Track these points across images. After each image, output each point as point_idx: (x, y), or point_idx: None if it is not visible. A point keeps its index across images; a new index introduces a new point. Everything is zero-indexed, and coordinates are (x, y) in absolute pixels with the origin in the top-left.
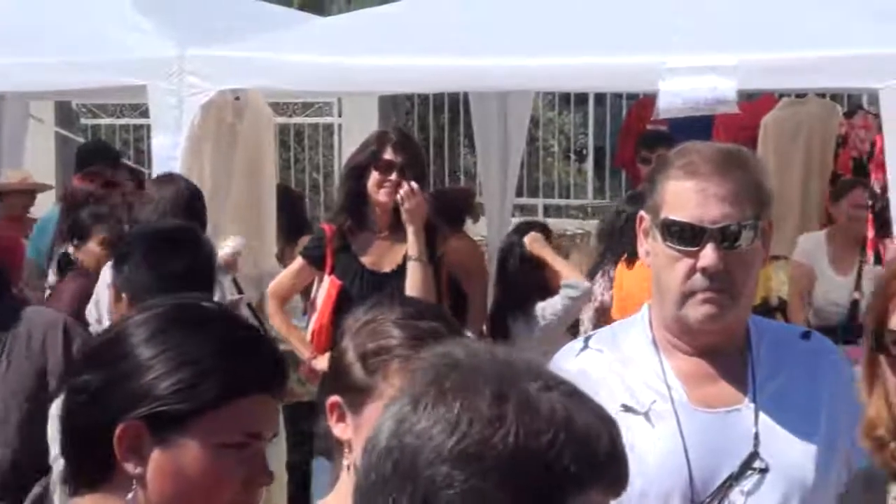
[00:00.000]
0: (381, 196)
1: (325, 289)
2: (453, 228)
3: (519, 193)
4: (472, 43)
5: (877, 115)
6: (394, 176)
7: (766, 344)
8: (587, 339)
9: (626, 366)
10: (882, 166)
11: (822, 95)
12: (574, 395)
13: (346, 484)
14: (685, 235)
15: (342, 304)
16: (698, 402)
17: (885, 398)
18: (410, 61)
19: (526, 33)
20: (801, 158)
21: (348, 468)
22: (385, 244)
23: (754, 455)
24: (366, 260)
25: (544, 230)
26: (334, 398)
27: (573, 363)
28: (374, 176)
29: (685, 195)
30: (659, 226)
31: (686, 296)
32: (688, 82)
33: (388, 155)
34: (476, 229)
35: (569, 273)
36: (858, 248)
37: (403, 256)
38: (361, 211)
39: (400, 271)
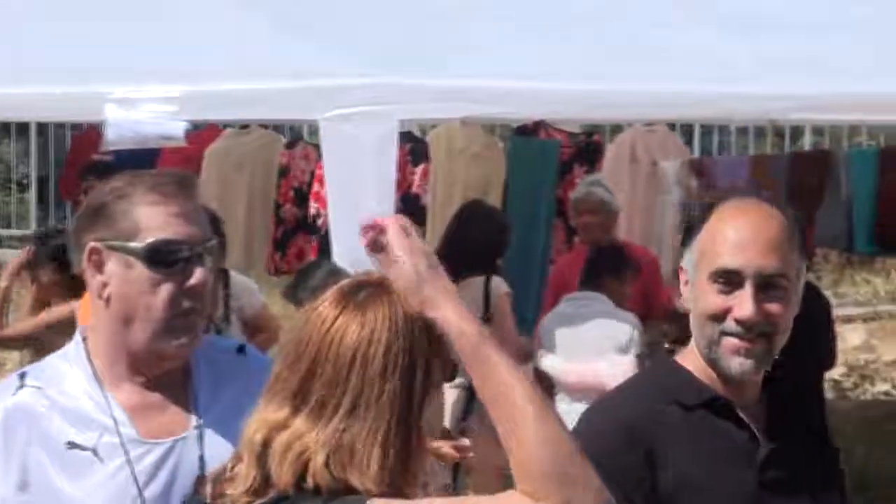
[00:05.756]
0: None
1: None
2: None
3: None
4: None
5: (316, 146)
6: None
7: (203, 363)
8: (22, 377)
9: (68, 401)
10: (320, 195)
11: (265, 126)
12: None
13: None
14: (171, 257)
15: None
16: (147, 434)
17: None
18: None
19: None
20: (245, 188)
21: None
22: None
23: (201, 478)
24: None
25: None
26: None
27: (10, 401)
28: None
29: (163, 217)
30: (142, 251)
31: (173, 319)
32: (135, 114)
33: None
34: None
35: None
36: None
37: None
38: None
39: None
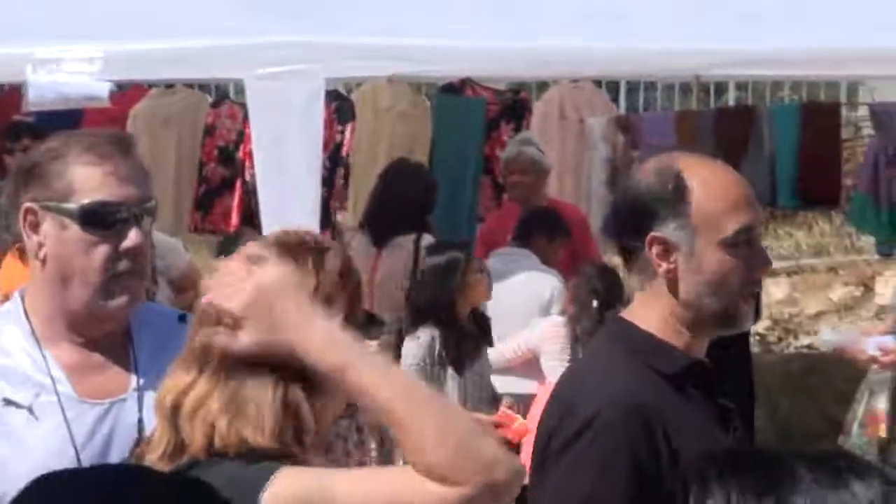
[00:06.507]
0: None
1: None
2: None
3: None
4: None
5: (243, 105)
6: None
7: (143, 329)
8: None
9: (4, 358)
10: (251, 154)
11: (190, 86)
12: None
13: None
14: (107, 219)
15: None
16: (85, 394)
17: None
18: None
19: None
20: (173, 149)
21: None
22: None
23: (139, 441)
24: None
25: None
26: None
27: None
28: None
29: (99, 178)
30: (76, 212)
31: (111, 281)
32: (57, 74)
33: None
34: None
35: None
36: None
37: None
38: None
39: None
